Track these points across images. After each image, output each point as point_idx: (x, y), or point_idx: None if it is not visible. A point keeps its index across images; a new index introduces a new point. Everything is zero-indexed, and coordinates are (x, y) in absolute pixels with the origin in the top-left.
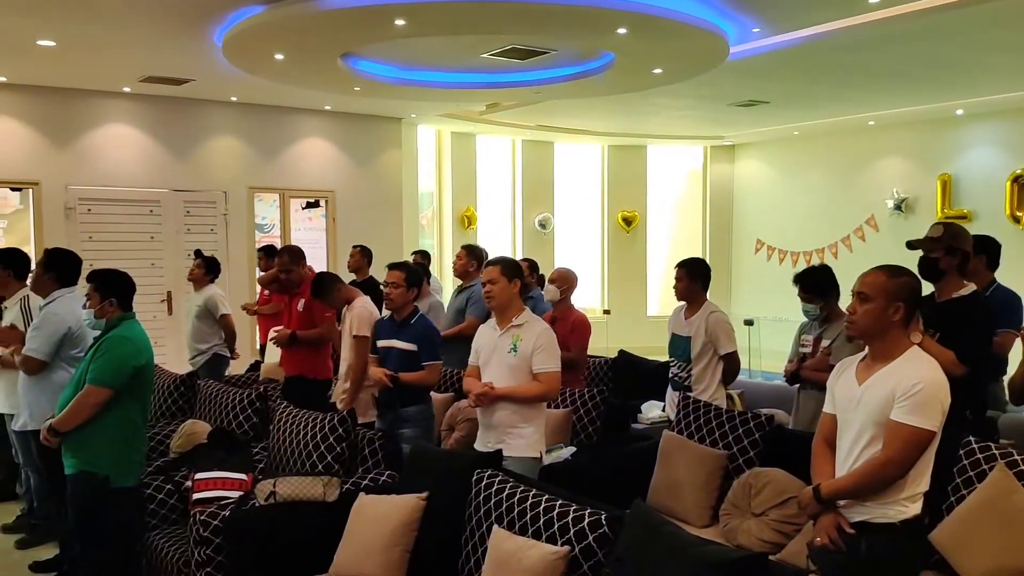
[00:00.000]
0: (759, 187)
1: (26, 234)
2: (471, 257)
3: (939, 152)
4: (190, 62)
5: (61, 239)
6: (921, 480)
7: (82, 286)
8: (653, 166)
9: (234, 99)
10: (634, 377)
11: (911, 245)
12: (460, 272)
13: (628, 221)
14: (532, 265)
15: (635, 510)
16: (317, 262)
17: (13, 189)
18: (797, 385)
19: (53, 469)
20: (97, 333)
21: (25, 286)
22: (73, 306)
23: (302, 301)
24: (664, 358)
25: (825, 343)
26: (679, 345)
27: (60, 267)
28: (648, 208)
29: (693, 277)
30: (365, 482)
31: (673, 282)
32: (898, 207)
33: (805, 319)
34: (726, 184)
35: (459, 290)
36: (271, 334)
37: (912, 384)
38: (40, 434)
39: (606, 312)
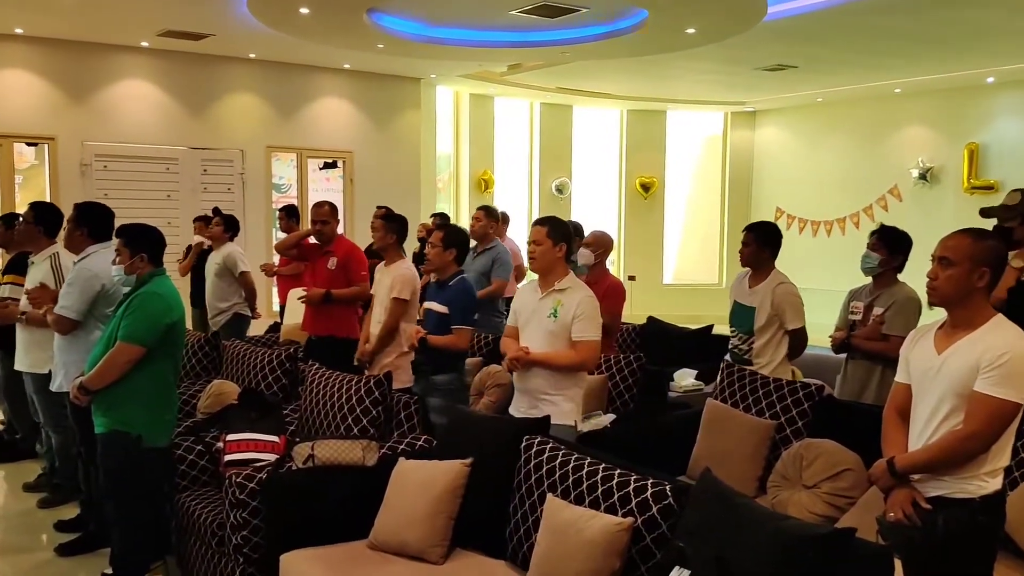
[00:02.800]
0: (780, 155)
1: (41, 190)
2: (490, 219)
3: (967, 120)
4: (210, 17)
5: (77, 196)
6: (1003, 454)
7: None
8: (672, 132)
9: (252, 56)
10: (664, 344)
11: (985, 213)
12: (480, 234)
13: (646, 187)
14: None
15: (703, 481)
16: None
17: (29, 144)
18: (844, 354)
19: (87, 430)
20: (127, 289)
21: (55, 243)
22: (108, 262)
23: (334, 259)
24: (689, 326)
25: (877, 311)
26: (742, 315)
27: (93, 222)
28: (666, 174)
29: (763, 243)
30: (402, 447)
31: (685, 250)
32: (923, 176)
33: (847, 291)
34: (746, 151)
35: (476, 252)
36: (294, 294)
37: (999, 354)
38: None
39: (631, 278)
